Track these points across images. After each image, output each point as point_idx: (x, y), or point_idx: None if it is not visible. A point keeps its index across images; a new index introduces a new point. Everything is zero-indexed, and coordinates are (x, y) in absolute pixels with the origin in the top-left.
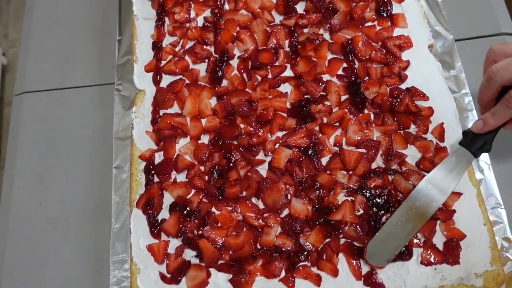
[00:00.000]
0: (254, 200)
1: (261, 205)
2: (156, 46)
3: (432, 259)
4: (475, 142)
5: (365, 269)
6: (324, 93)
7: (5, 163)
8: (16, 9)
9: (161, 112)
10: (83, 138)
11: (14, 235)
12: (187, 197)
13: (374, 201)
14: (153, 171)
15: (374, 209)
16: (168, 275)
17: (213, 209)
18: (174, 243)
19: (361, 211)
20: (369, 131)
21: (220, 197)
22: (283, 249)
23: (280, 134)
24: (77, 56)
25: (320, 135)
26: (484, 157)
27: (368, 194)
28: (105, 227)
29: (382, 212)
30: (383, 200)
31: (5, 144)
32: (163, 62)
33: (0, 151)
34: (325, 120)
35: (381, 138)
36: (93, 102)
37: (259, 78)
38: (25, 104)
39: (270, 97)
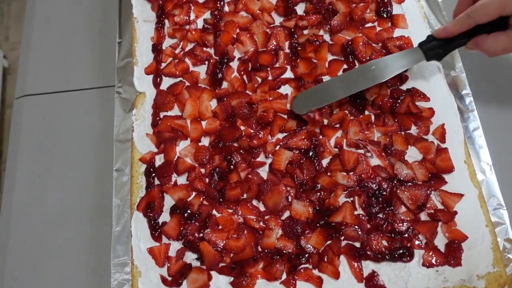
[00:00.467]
0: (255, 202)
1: (262, 208)
2: (156, 49)
3: (433, 261)
4: (431, 47)
5: (366, 271)
6: None
7: (6, 166)
8: (17, 11)
9: (162, 114)
10: (83, 140)
11: (16, 238)
12: (188, 200)
13: (374, 199)
14: (154, 174)
15: (374, 208)
16: (169, 278)
17: (214, 212)
18: (175, 246)
19: (361, 211)
20: (370, 132)
21: (221, 200)
22: (284, 251)
23: (280, 136)
24: (77, 58)
25: (321, 136)
26: (486, 158)
27: (368, 194)
28: (106, 230)
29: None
30: (382, 198)
31: (6, 146)
32: (163, 65)
33: (2, 154)
34: (325, 121)
35: (382, 139)
36: (93, 105)
37: (259, 80)
38: (26, 107)
39: (270, 99)
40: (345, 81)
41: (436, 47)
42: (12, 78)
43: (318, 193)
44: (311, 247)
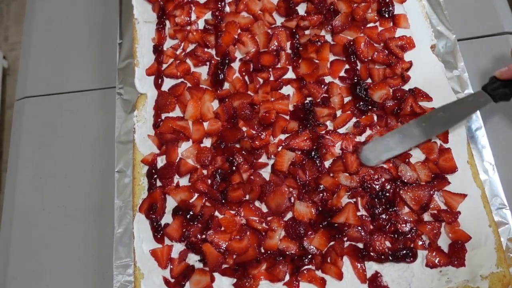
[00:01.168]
0: (257, 203)
1: (264, 209)
2: (157, 50)
3: (437, 262)
4: (496, 87)
5: (369, 272)
6: (326, 95)
7: (7, 168)
8: (17, 12)
9: (163, 115)
10: (84, 142)
11: (18, 240)
12: (190, 201)
13: (377, 200)
14: (156, 175)
15: (377, 209)
16: (172, 280)
17: (216, 213)
18: (178, 248)
19: (364, 212)
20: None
21: (223, 201)
22: (287, 252)
23: (282, 136)
24: (77, 60)
25: (324, 137)
26: (489, 157)
27: (371, 195)
28: (108, 231)
29: (384, 212)
30: (385, 199)
31: (6, 146)
32: (164, 66)
33: (2, 154)
34: (329, 123)
35: None
36: (94, 106)
37: (261, 80)
38: (26, 108)
39: (272, 99)
40: (411, 131)
41: (501, 87)
42: (12, 79)
43: (321, 194)
44: (314, 248)
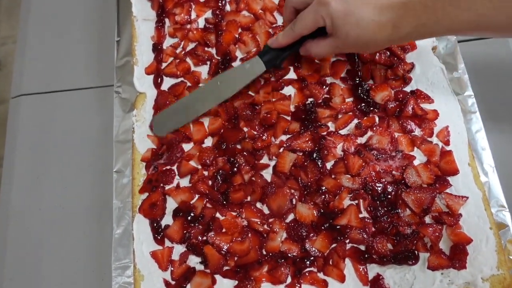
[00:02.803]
0: (258, 205)
1: (266, 210)
2: (157, 48)
3: (439, 264)
4: (269, 54)
5: (371, 274)
6: (328, 96)
7: (3, 168)
8: (8, 6)
9: None
10: (82, 141)
11: (14, 241)
12: (191, 203)
13: (379, 202)
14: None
15: (379, 211)
16: (173, 282)
17: (218, 215)
18: (178, 250)
19: (366, 214)
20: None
21: (225, 202)
22: (289, 254)
23: (284, 137)
24: (74, 57)
25: (326, 139)
26: (489, 159)
27: (373, 197)
28: (106, 232)
29: (386, 214)
30: (387, 201)
31: (0, 142)
32: (164, 64)
33: None
34: (330, 125)
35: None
36: (91, 105)
37: (262, 80)
38: (22, 107)
39: (273, 100)
40: (198, 98)
41: (273, 56)
42: (3, 74)
43: (323, 196)
44: (316, 250)
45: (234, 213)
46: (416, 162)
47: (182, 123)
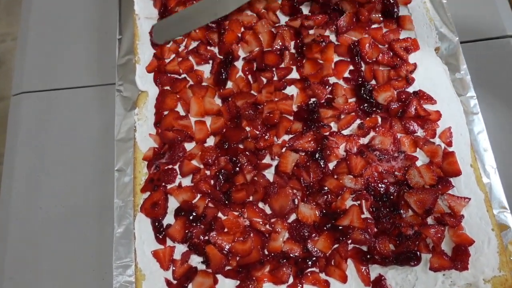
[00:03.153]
0: (261, 205)
1: (268, 210)
2: (159, 47)
3: (441, 265)
4: None
5: (373, 275)
6: (330, 96)
7: (3, 166)
8: (7, 3)
9: (165, 114)
10: (83, 140)
11: (15, 240)
12: (193, 202)
13: (381, 203)
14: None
15: (382, 212)
16: (174, 282)
17: (220, 214)
18: (180, 249)
19: (368, 215)
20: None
21: (227, 202)
22: (291, 255)
23: (286, 137)
24: (75, 55)
25: (328, 139)
26: (491, 161)
27: (375, 197)
28: (107, 231)
29: (388, 214)
30: (390, 202)
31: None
32: (166, 61)
33: None
34: (333, 125)
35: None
36: (92, 103)
37: (265, 80)
38: (23, 104)
39: (276, 99)
40: (197, 10)
41: None
42: (2, 71)
43: (325, 196)
44: (318, 250)
45: (236, 213)
46: (418, 163)
47: (180, 33)
